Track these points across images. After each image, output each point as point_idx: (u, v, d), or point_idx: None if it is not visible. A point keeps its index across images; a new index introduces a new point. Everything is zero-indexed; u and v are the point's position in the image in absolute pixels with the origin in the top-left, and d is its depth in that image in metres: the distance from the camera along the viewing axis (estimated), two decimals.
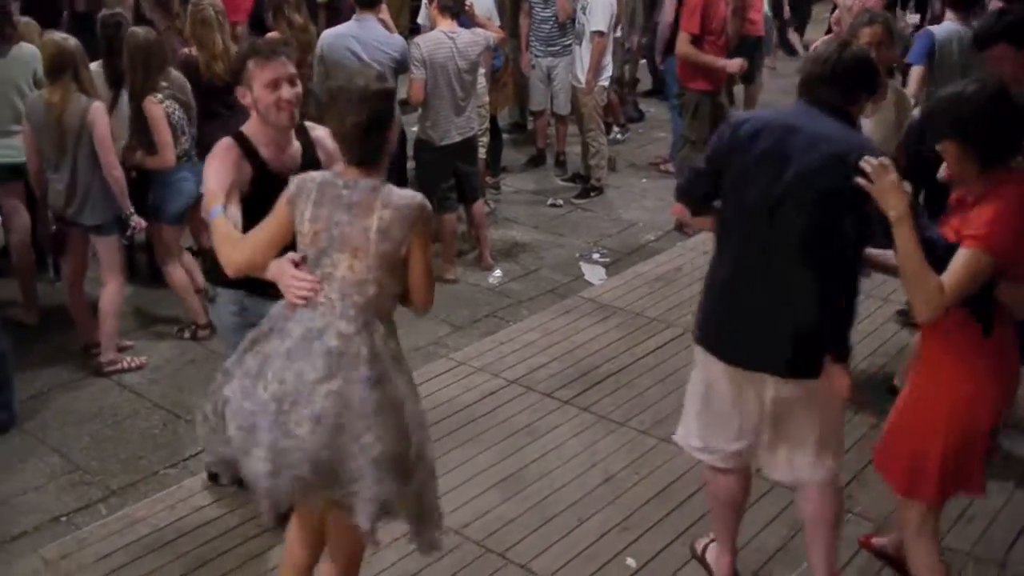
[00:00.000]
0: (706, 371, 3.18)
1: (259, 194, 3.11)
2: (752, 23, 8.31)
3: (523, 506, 3.97)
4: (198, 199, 5.29)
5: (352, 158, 2.74)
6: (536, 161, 8.47)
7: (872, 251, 2.95)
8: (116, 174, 4.87)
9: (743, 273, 2.99)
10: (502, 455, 4.30)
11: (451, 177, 6.14)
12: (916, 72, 5.13)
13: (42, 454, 4.51)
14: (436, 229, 6.44)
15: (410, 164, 6.43)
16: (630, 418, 4.56)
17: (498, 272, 6.38)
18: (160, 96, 5.08)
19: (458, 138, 6.05)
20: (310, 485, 2.73)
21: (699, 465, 4.20)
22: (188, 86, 5.30)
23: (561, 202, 7.71)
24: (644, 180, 8.15)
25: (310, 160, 3.40)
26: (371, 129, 2.69)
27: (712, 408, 3.21)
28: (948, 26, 5.28)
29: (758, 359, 3.03)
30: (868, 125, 4.19)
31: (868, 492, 3.96)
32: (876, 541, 3.67)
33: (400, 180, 6.23)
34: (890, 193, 2.68)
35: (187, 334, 5.52)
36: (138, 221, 5.00)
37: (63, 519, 4.09)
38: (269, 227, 2.84)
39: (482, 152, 6.80)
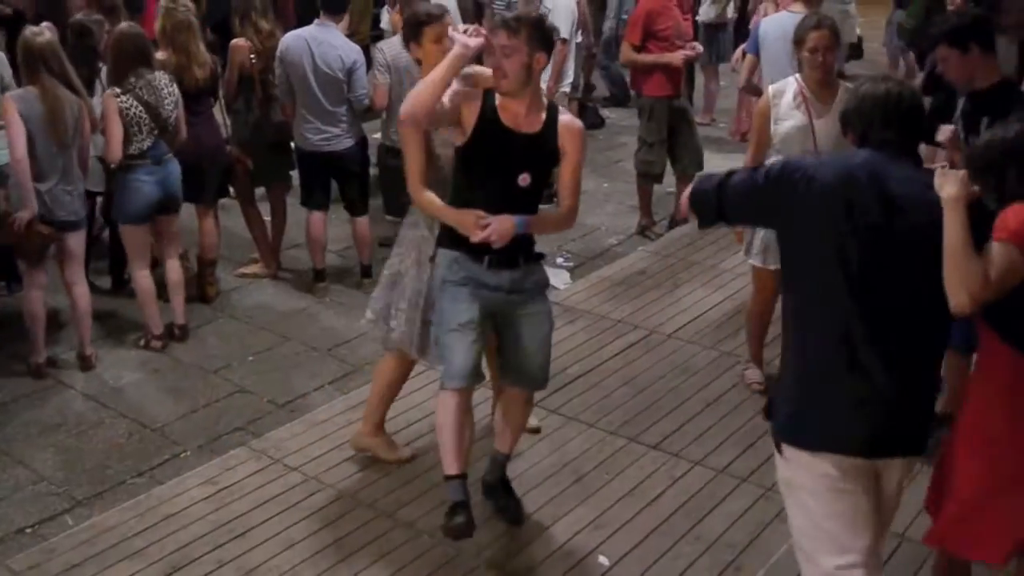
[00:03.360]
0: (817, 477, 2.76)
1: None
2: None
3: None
4: (160, 206, 5.29)
5: None
6: None
7: None
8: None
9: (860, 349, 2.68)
10: (473, 458, 4.30)
11: None
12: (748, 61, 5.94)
13: (5, 466, 4.45)
14: None
15: (373, 171, 6.41)
16: (599, 419, 4.60)
17: None
18: (118, 90, 5.07)
19: None
20: None
21: (668, 463, 4.28)
22: (168, 90, 5.26)
23: None
24: (606, 185, 8.21)
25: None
26: None
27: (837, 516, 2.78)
28: (778, 17, 5.74)
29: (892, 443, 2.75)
30: (820, 126, 4.29)
31: None
32: None
33: (363, 187, 6.22)
34: (946, 176, 2.64)
35: (141, 343, 5.47)
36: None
37: (28, 531, 4.05)
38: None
39: None
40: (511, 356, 3.71)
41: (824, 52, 4.26)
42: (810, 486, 2.77)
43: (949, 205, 2.58)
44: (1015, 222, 2.63)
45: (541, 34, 3.44)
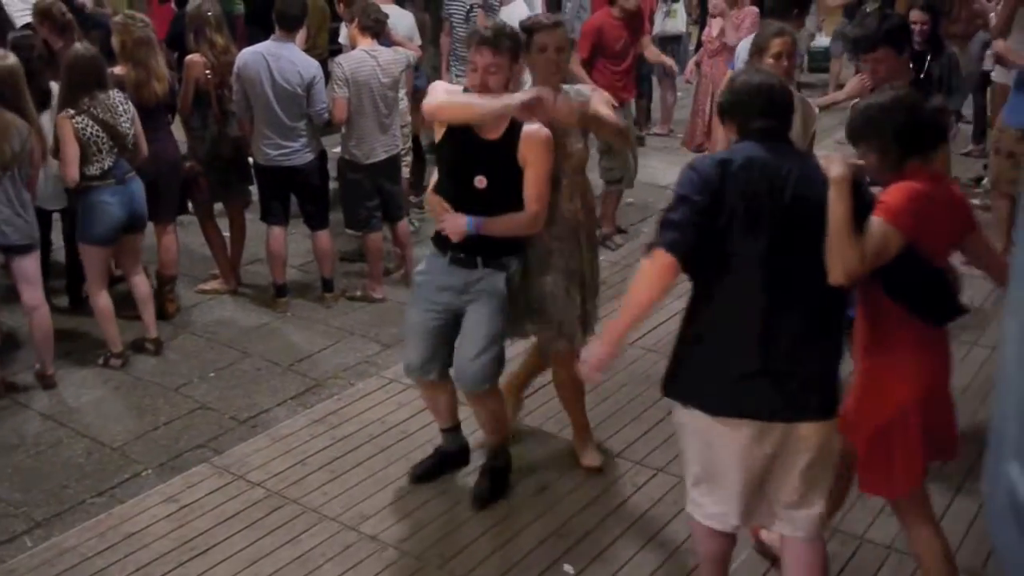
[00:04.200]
0: (707, 434, 2.98)
1: None
2: None
3: (460, 518, 4.00)
4: (127, 226, 5.26)
5: None
6: None
7: None
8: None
9: (762, 315, 2.87)
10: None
11: (376, 196, 6.16)
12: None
13: None
14: (362, 249, 6.46)
15: (333, 185, 6.41)
16: (563, 428, 4.62)
17: None
18: (72, 112, 5.03)
19: (383, 156, 6.07)
20: None
21: (631, 471, 4.32)
22: (124, 107, 5.22)
23: None
24: None
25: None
26: None
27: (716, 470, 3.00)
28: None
29: (790, 407, 2.91)
30: None
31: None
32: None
33: (322, 201, 6.22)
34: (832, 159, 2.88)
35: (100, 361, 5.42)
36: None
37: None
38: None
39: (406, 171, 6.84)
40: (455, 353, 3.87)
41: (788, 57, 4.34)
42: (709, 440, 2.96)
43: (835, 186, 2.81)
44: (892, 201, 2.88)
45: (518, 46, 3.62)
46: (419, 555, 3.76)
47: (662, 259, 2.84)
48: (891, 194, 2.91)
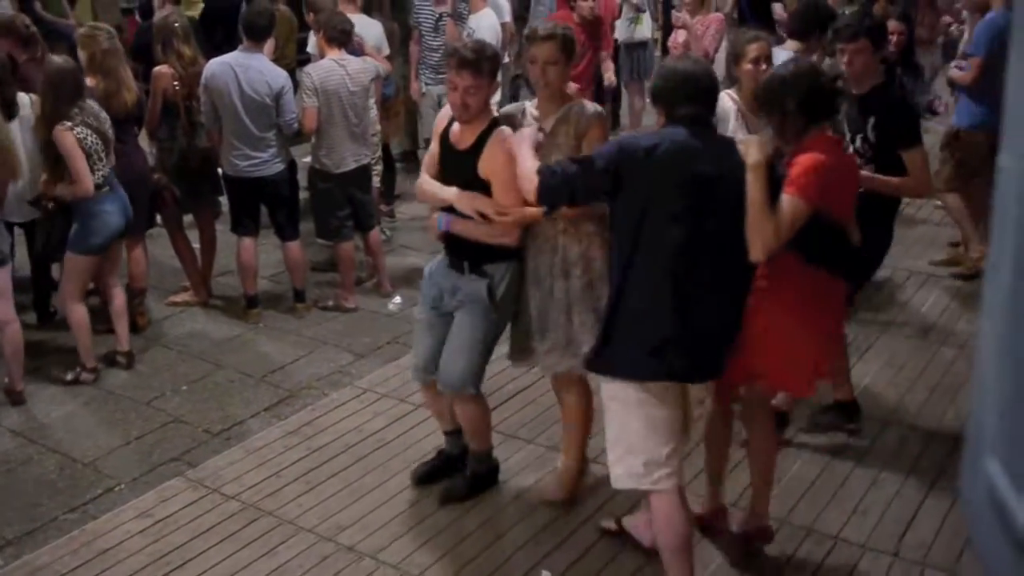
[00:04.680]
0: (637, 399, 3.19)
1: None
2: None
3: (437, 526, 3.99)
4: (122, 232, 5.22)
5: None
6: None
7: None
8: None
9: (679, 287, 3.11)
10: None
11: (347, 206, 6.15)
12: None
13: None
14: (334, 258, 6.44)
15: (303, 195, 6.39)
16: (537, 435, 4.63)
17: (397, 299, 6.39)
18: (69, 123, 4.97)
19: (354, 165, 6.07)
20: None
21: (607, 477, 4.32)
22: (104, 115, 5.20)
23: None
24: None
25: None
26: None
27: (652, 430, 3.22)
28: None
29: (707, 370, 3.33)
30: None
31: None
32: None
33: (293, 211, 6.19)
34: (749, 143, 3.18)
35: (70, 376, 5.36)
36: None
37: None
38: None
39: (376, 181, 6.82)
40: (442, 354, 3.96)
41: (765, 62, 4.39)
42: (629, 405, 3.21)
43: (752, 168, 3.08)
44: (797, 175, 3.17)
45: (496, 65, 3.72)
46: (396, 564, 3.75)
47: (531, 187, 3.22)
48: (796, 169, 3.20)
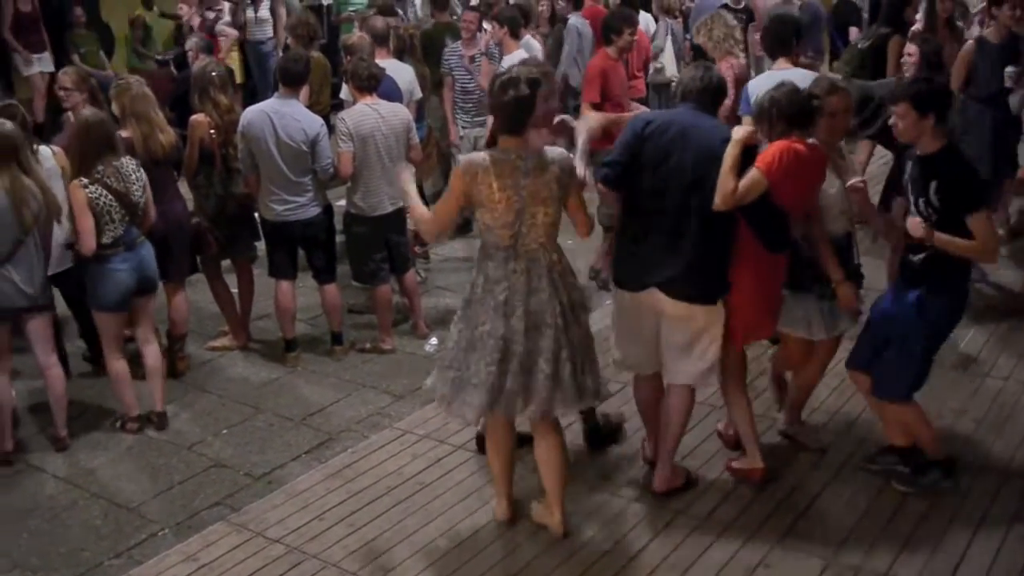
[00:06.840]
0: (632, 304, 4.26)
1: None
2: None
3: (481, 567, 3.97)
4: (137, 290, 5.27)
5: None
6: (463, 229, 8.55)
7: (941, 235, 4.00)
8: None
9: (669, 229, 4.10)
10: (454, 520, 4.30)
11: (383, 248, 6.19)
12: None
13: None
14: (370, 301, 6.48)
15: (339, 238, 6.44)
16: (581, 474, 4.60)
17: (434, 340, 6.40)
18: (85, 181, 5.04)
19: (390, 208, 6.12)
20: None
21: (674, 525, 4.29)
22: (136, 175, 5.22)
23: None
24: (570, 242, 8.28)
25: None
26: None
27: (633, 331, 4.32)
28: (767, 76, 5.66)
29: (671, 286, 4.16)
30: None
31: None
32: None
33: (329, 255, 6.25)
34: (740, 128, 4.16)
35: (117, 424, 5.41)
36: None
37: None
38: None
39: (411, 223, 6.86)
40: None
41: (843, 115, 4.43)
42: (623, 308, 4.34)
43: (732, 142, 4.00)
44: (766, 155, 4.03)
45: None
46: None
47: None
48: (770, 150, 4.05)
